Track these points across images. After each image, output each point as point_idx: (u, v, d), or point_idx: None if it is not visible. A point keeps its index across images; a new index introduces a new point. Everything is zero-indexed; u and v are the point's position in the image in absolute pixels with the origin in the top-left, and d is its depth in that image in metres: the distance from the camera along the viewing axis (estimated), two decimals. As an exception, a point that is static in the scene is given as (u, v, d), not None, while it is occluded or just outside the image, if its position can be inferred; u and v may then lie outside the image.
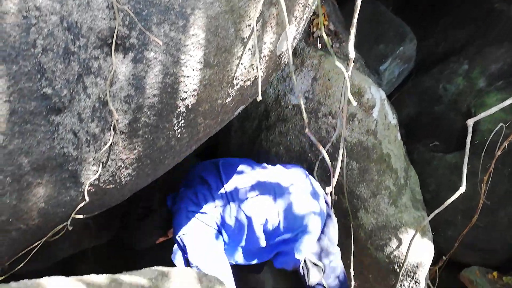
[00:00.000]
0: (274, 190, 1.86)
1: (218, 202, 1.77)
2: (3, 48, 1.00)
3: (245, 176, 1.88)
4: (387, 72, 3.67)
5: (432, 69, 3.80)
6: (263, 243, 1.85)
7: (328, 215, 2.00)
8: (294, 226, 1.84)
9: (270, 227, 1.81)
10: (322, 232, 1.93)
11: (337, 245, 2.04)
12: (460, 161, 3.28)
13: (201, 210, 1.73)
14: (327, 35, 2.40)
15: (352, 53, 1.26)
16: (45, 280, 0.69)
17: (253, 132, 2.75)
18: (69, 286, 0.71)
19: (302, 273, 1.93)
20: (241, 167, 1.93)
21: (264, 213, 1.79)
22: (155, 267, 1.03)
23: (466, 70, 3.52)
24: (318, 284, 1.94)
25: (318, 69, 2.21)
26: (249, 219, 1.77)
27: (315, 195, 1.96)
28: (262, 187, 1.85)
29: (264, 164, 2.07)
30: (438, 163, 3.37)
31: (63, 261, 2.29)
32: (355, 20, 1.29)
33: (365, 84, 2.15)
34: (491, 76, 3.38)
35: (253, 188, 1.83)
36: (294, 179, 1.98)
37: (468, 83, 3.48)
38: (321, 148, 1.78)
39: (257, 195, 1.81)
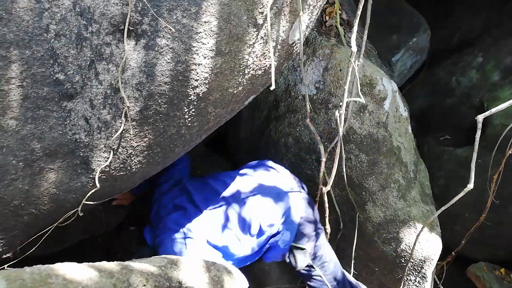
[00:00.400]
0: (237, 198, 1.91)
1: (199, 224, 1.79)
2: (16, 32, 1.01)
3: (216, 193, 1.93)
4: (399, 63, 3.62)
5: (445, 61, 3.73)
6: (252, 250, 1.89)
7: (305, 199, 2.06)
8: (275, 222, 1.89)
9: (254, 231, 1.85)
10: (302, 218, 1.98)
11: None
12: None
13: (188, 235, 1.74)
14: (340, 24, 2.36)
15: (354, 47, 1.23)
16: (58, 266, 0.70)
17: (262, 122, 2.74)
18: (82, 272, 0.71)
19: (289, 261, 1.98)
20: (209, 184, 1.98)
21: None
22: (164, 255, 1.03)
23: (480, 62, 3.45)
24: (308, 266, 1.99)
25: (329, 59, 2.17)
26: None
27: (283, 188, 2.02)
28: (234, 198, 1.90)
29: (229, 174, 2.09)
30: (448, 157, 3.33)
31: (73, 246, 2.32)
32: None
33: (377, 75, 2.12)
34: (506, 69, 3.30)
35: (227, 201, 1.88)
36: (260, 180, 2.04)
37: (481, 76, 3.41)
38: (318, 139, 1.77)
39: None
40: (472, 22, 3.69)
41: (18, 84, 1.05)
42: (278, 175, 2.12)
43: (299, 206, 1.99)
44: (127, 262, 0.86)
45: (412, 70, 3.77)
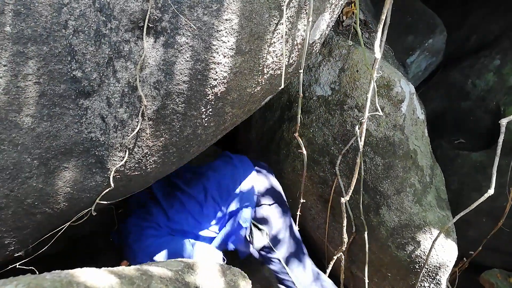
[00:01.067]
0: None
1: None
2: (34, 28, 0.98)
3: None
4: (414, 65, 3.56)
5: (461, 63, 3.66)
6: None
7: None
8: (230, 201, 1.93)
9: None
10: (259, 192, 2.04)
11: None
12: (486, 160, 3.18)
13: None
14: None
15: (378, 54, 1.19)
16: (78, 272, 0.67)
17: (275, 123, 2.71)
18: (102, 279, 0.69)
19: (249, 240, 1.99)
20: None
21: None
22: (180, 259, 1.01)
23: (498, 65, 3.37)
24: (267, 248, 2.00)
25: (346, 59, 2.13)
26: None
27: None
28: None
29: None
30: (462, 161, 3.28)
31: (84, 245, 2.32)
32: (382, 22, 1.22)
33: (395, 77, 2.07)
34: (524, 73, 3.24)
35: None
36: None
37: (499, 79, 3.34)
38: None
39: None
40: (490, 24, 3.62)
41: (35, 80, 1.03)
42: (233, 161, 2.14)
43: (256, 183, 2.03)
44: (145, 267, 0.83)
45: (427, 72, 3.72)
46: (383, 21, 1.44)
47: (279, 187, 2.19)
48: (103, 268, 0.76)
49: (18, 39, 0.98)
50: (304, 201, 2.00)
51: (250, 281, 1.16)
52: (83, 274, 0.67)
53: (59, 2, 0.97)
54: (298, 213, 2.05)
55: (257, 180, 2.07)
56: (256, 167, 2.23)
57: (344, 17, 2.20)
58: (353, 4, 2.26)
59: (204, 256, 1.65)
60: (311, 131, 2.39)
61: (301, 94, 1.31)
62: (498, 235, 2.87)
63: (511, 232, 3.00)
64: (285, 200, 2.18)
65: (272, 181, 2.16)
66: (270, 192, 2.09)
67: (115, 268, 0.77)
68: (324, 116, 2.31)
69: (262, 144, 2.92)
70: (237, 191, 1.96)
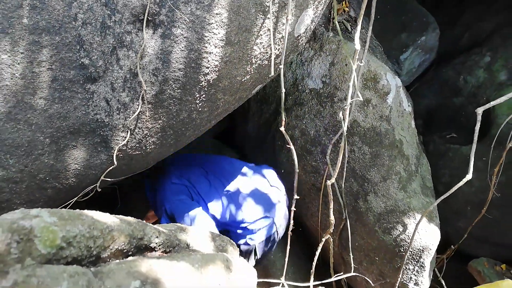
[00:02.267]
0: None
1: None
2: (48, 20, 1.13)
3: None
4: (407, 62, 3.67)
5: (454, 60, 3.77)
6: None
7: None
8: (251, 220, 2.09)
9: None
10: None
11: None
12: (476, 153, 3.28)
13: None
14: (347, 21, 2.44)
15: (357, 45, 1.32)
16: (87, 211, 0.82)
17: (270, 115, 2.84)
18: (106, 217, 0.83)
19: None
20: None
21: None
22: (176, 223, 1.15)
23: (488, 62, 3.48)
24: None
25: (336, 54, 2.26)
26: None
27: None
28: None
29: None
30: (453, 154, 3.38)
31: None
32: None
33: (381, 70, 2.20)
34: (513, 69, 3.34)
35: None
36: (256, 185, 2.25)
37: (488, 76, 3.45)
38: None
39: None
40: (483, 22, 3.72)
41: (48, 67, 1.17)
42: (270, 187, 2.30)
43: (281, 222, 2.19)
44: (144, 222, 0.97)
45: (420, 69, 3.82)
46: (361, 16, 1.57)
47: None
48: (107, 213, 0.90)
49: (34, 29, 1.12)
50: (299, 197, 2.12)
51: (238, 249, 1.29)
52: (91, 212, 0.82)
53: (70, -3, 1.11)
54: (293, 208, 2.17)
55: (282, 214, 2.21)
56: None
57: (335, 14, 2.32)
58: (343, 2, 2.39)
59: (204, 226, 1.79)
60: (304, 122, 2.52)
61: (283, 90, 1.43)
62: (487, 226, 2.98)
63: (500, 224, 3.11)
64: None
65: (287, 213, 2.28)
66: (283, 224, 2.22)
67: (116, 215, 0.91)
68: (316, 108, 2.44)
69: (259, 136, 3.05)
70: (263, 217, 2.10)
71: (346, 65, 2.22)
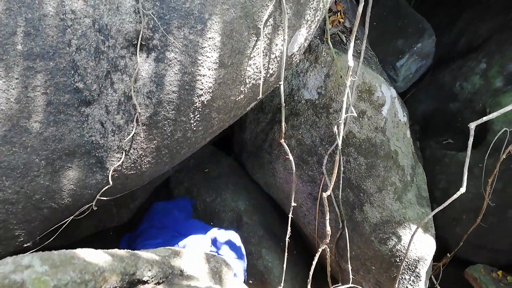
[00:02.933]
0: None
1: None
2: (42, 46, 1.14)
3: None
4: (403, 68, 3.69)
5: (450, 66, 3.78)
6: None
7: None
8: None
9: None
10: None
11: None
12: (472, 159, 3.30)
13: None
14: (343, 32, 2.45)
15: (351, 62, 1.33)
16: (79, 251, 0.83)
17: (267, 124, 2.85)
18: (98, 256, 0.84)
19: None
20: None
21: None
22: (169, 247, 1.16)
23: (484, 68, 3.50)
24: None
25: (331, 66, 2.27)
26: None
27: None
28: None
29: None
30: (450, 160, 3.40)
31: (86, 239, 2.47)
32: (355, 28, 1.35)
33: (376, 82, 2.21)
34: (509, 75, 3.35)
35: None
36: None
37: (484, 82, 3.46)
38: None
39: None
40: (478, 28, 3.73)
41: (42, 91, 1.18)
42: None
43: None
44: (135, 251, 0.98)
45: (417, 75, 3.84)
46: (354, 32, 1.58)
47: None
48: (99, 249, 0.91)
49: (28, 56, 1.13)
50: (295, 204, 2.13)
51: (232, 268, 1.31)
52: (82, 252, 0.83)
53: (64, 24, 1.12)
54: (290, 215, 2.18)
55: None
56: None
57: (330, 26, 2.34)
58: (338, 13, 2.40)
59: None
60: (300, 132, 2.53)
61: (283, 104, 1.45)
62: (483, 233, 2.99)
63: (496, 231, 3.13)
64: None
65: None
66: None
67: (109, 250, 0.92)
68: (311, 118, 2.45)
69: (256, 144, 3.06)
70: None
71: (341, 77, 2.23)
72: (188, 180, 3.26)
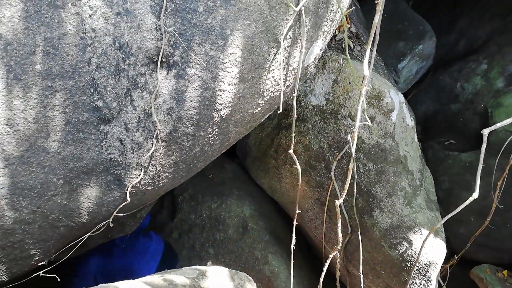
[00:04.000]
0: None
1: None
2: (61, 65, 1.11)
3: None
4: (405, 70, 3.71)
5: (451, 67, 3.80)
6: None
7: None
8: None
9: None
10: None
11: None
12: (475, 160, 3.33)
13: None
14: (349, 37, 2.45)
15: (366, 71, 1.32)
16: (118, 283, 0.81)
17: (273, 130, 2.84)
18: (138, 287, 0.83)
19: None
20: None
21: None
22: (194, 267, 1.14)
23: (485, 69, 3.52)
24: None
25: (339, 72, 2.27)
26: None
27: None
28: None
29: None
30: (452, 161, 3.42)
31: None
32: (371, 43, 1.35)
33: (385, 88, 2.21)
34: (510, 76, 3.38)
35: None
36: None
37: (486, 83, 3.49)
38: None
39: None
40: (478, 29, 3.76)
41: (61, 110, 1.16)
42: None
43: None
44: (166, 275, 0.96)
45: (417, 76, 3.86)
46: (370, 42, 1.58)
47: None
48: (137, 279, 0.89)
49: (47, 75, 1.11)
50: (300, 211, 2.13)
51: (255, 284, 1.30)
52: (122, 285, 0.81)
53: (84, 42, 1.10)
54: (295, 222, 2.18)
55: None
56: None
57: (337, 32, 2.33)
58: (345, 19, 2.40)
59: None
60: (307, 138, 2.52)
61: (295, 116, 1.44)
62: (488, 232, 3.02)
63: (500, 230, 3.15)
64: None
65: None
66: None
67: (146, 279, 0.90)
68: (319, 124, 2.44)
69: (261, 150, 3.05)
70: None
71: (349, 83, 2.22)
72: (192, 187, 3.24)
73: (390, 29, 3.69)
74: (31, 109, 1.13)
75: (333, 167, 2.39)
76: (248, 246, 3.02)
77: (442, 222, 2.02)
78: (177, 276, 0.99)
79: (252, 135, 3.12)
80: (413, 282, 2.34)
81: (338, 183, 2.40)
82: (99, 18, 1.08)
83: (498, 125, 1.77)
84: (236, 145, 3.47)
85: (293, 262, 2.43)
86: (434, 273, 2.29)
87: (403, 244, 2.28)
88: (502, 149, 2.85)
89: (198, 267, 1.16)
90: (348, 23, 2.44)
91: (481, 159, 1.87)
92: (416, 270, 2.28)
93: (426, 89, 3.94)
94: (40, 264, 1.53)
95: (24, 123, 1.14)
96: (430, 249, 2.24)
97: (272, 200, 3.19)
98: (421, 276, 2.31)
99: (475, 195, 1.90)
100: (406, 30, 3.67)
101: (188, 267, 1.13)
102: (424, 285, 2.32)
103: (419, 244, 2.20)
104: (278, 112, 1.36)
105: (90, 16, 1.08)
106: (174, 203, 3.30)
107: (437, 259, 2.24)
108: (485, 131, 1.79)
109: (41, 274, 1.52)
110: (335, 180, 2.40)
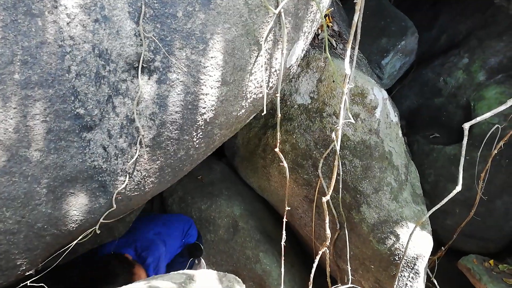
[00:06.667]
0: None
1: None
2: (40, 74, 1.10)
3: None
4: (388, 66, 3.75)
5: (433, 62, 3.87)
6: None
7: None
8: None
9: None
10: None
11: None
12: (459, 153, 3.39)
13: None
14: (332, 36, 2.47)
15: (348, 70, 1.34)
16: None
17: (260, 130, 2.85)
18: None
19: None
20: None
21: None
22: (181, 271, 1.15)
23: (466, 63, 3.59)
24: None
25: (323, 71, 2.29)
26: None
27: None
28: None
29: None
30: (437, 154, 3.48)
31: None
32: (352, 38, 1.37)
33: (368, 85, 2.24)
34: (490, 69, 3.46)
35: None
36: None
37: (467, 77, 3.56)
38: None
39: None
40: (459, 24, 3.83)
41: (42, 119, 1.15)
42: None
43: None
44: (153, 282, 0.97)
45: (401, 72, 3.91)
46: (351, 41, 1.60)
47: None
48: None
49: (26, 84, 1.10)
50: (289, 208, 2.14)
51: (244, 285, 1.31)
52: None
53: (62, 50, 1.09)
54: (285, 219, 2.20)
55: None
56: None
57: (320, 31, 2.35)
58: (327, 18, 2.42)
59: None
60: (294, 137, 2.54)
61: (279, 115, 1.45)
62: (472, 222, 3.09)
63: (486, 220, 3.22)
64: None
65: None
66: None
67: (131, 286, 0.91)
68: (305, 123, 2.46)
69: (249, 149, 3.06)
70: None
71: (333, 81, 2.25)
72: (181, 189, 3.23)
73: (373, 26, 3.72)
74: (11, 119, 1.12)
75: (320, 165, 2.41)
76: (239, 246, 3.03)
77: (427, 215, 2.06)
78: (163, 282, 0.99)
79: (240, 135, 3.12)
80: (401, 275, 2.38)
81: (326, 180, 2.42)
82: (77, 25, 1.07)
83: (478, 118, 1.81)
84: (224, 145, 3.47)
85: (285, 260, 2.44)
86: (422, 266, 2.33)
87: (391, 239, 2.32)
88: (484, 141, 2.92)
89: (186, 271, 1.16)
90: (330, 22, 2.46)
91: (463, 152, 1.91)
92: (404, 263, 2.33)
93: (410, 84, 4.01)
94: (28, 273, 1.51)
95: (5, 133, 1.13)
96: (417, 242, 2.28)
97: (262, 199, 3.21)
98: (409, 269, 2.35)
99: (458, 188, 1.94)
100: (389, 26, 3.72)
101: (175, 272, 1.14)
102: (412, 277, 2.36)
103: (406, 237, 2.24)
104: (263, 114, 1.37)
105: (67, 24, 1.07)
106: (164, 206, 3.29)
107: (424, 251, 2.29)
108: (466, 125, 1.82)
109: (28, 284, 1.50)
110: (323, 177, 2.42)
